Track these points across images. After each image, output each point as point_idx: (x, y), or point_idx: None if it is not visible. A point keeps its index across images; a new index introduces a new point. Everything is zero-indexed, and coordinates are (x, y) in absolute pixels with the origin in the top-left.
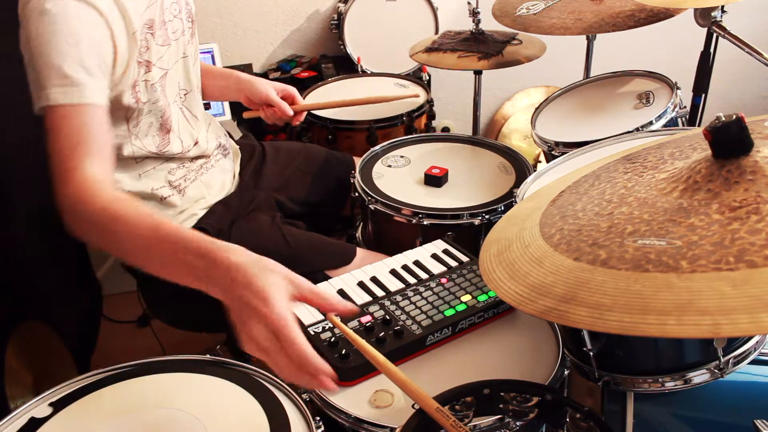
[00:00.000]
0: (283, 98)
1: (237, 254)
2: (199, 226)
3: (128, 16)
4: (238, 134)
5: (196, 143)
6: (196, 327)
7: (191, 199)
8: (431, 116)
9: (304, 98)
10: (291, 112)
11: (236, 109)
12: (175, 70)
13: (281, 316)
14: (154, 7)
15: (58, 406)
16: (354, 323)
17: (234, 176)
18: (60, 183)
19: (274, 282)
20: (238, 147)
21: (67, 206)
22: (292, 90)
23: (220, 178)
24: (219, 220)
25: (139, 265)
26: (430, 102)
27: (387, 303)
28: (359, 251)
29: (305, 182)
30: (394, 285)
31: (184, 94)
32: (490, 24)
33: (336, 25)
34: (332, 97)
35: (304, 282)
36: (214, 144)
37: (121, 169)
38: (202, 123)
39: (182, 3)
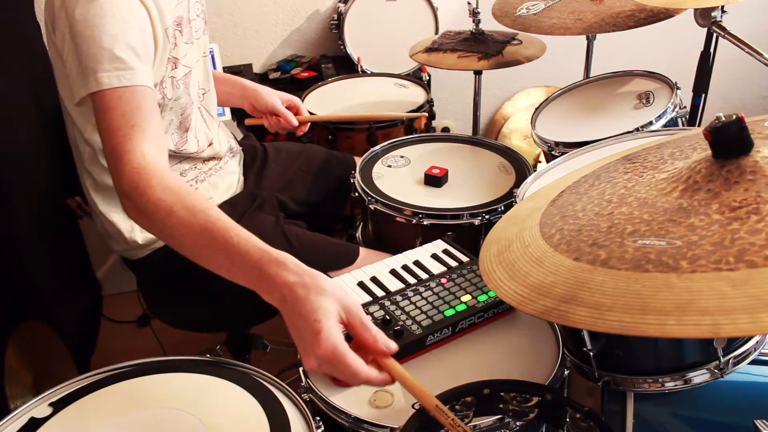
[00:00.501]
0: (287, 108)
1: (288, 270)
2: None
3: (163, 11)
4: (239, 135)
5: (210, 144)
6: (196, 327)
7: None
8: (431, 116)
9: (304, 98)
10: (296, 123)
11: (236, 110)
12: (197, 69)
13: (330, 350)
14: (182, 5)
15: (58, 406)
16: None
17: (239, 177)
18: (116, 166)
19: (326, 308)
20: (241, 148)
21: (123, 192)
22: (297, 100)
23: (226, 179)
24: None
25: (199, 263)
26: (430, 102)
27: (387, 303)
28: (362, 251)
29: (306, 182)
30: (394, 285)
31: (203, 94)
32: (490, 24)
33: (336, 25)
34: (332, 98)
35: (355, 310)
36: (226, 146)
37: None
38: (216, 123)
39: (201, 2)
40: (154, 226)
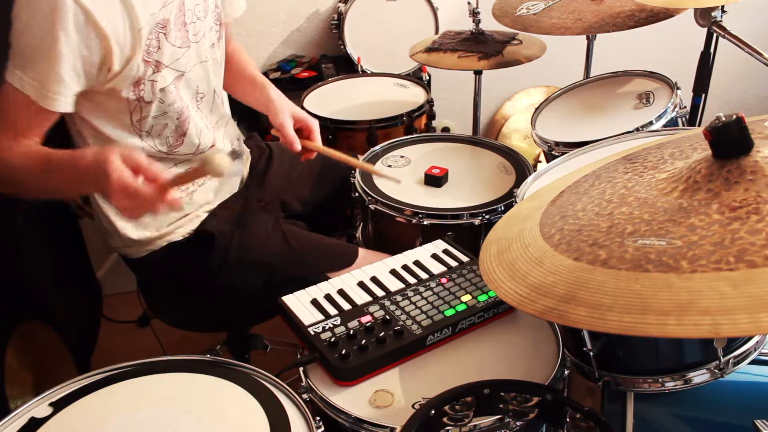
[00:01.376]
0: (300, 129)
1: (85, 156)
2: (203, 228)
3: (134, 13)
4: (241, 135)
5: (212, 146)
6: (196, 327)
7: (196, 203)
8: (431, 116)
9: (304, 98)
10: (298, 148)
11: (237, 109)
12: (194, 73)
13: (119, 180)
14: (170, 7)
15: (58, 406)
16: (354, 323)
17: (242, 179)
18: None
19: (109, 158)
20: (248, 150)
21: None
22: (312, 124)
23: (229, 180)
24: (222, 222)
25: (61, 195)
26: (430, 102)
27: (387, 303)
28: (361, 251)
29: (309, 182)
30: (394, 285)
31: (202, 98)
32: (490, 24)
33: (336, 25)
34: (332, 98)
35: (130, 156)
36: (230, 149)
37: None
38: (220, 127)
39: (210, 6)
40: (8, 184)
